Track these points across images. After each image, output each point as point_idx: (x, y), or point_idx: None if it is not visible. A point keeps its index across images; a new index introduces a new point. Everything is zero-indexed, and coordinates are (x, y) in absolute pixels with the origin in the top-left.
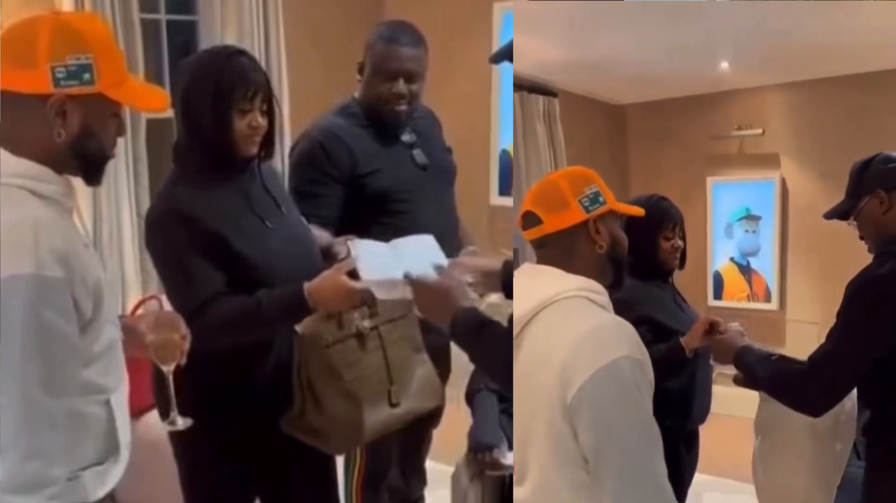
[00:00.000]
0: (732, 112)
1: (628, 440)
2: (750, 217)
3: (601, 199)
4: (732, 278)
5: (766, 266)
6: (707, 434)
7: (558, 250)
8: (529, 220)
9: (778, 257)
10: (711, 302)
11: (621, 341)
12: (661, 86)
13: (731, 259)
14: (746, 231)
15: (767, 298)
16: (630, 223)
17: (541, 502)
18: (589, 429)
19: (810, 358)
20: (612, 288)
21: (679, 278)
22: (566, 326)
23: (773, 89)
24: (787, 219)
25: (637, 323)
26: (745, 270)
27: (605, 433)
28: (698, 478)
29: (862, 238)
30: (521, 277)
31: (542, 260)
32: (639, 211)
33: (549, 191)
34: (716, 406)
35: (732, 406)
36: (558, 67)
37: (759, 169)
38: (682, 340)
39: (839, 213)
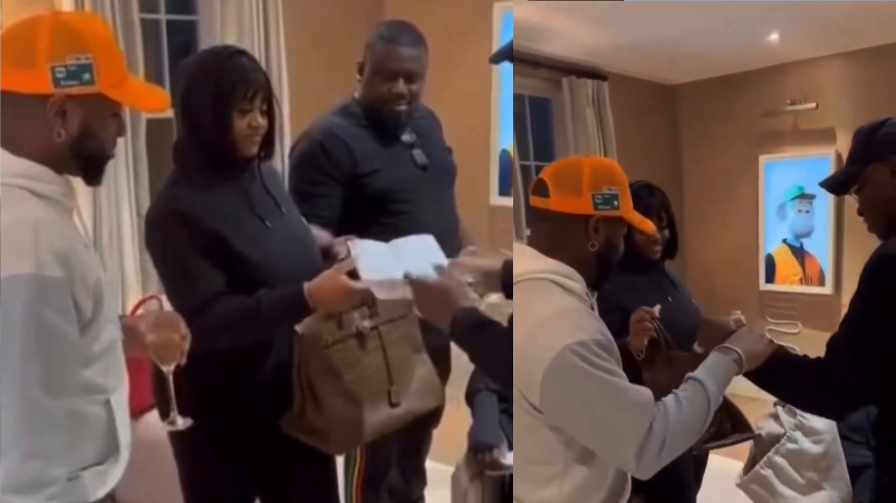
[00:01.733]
0: (785, 86)
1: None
2: (803, 196)
3: (616, 203)
4: (785, 261)
5: (820, 248)
6: None
7: (553, 229)
8: (540, 188)
9: (833, 238)
10: (763, 285)
11: (573, 328)
12: (711, 63)
13: (784, 241)
14: (800, 211)
15: (821, 281)
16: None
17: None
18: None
19: (825, 357)
20: (590, 288)
21: (729, 261)
22: (525, 310)
23: (827, 60)
24: (842, 197)
25: (610, 310)
26: (799, 252)
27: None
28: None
29: (861, 214)
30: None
31: (533, 233)
32: (650, 227)
33: (570, 170)
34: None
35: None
36: (606, 50)
37: (813, 145)
38: (628, 340)
39: (838, 182)
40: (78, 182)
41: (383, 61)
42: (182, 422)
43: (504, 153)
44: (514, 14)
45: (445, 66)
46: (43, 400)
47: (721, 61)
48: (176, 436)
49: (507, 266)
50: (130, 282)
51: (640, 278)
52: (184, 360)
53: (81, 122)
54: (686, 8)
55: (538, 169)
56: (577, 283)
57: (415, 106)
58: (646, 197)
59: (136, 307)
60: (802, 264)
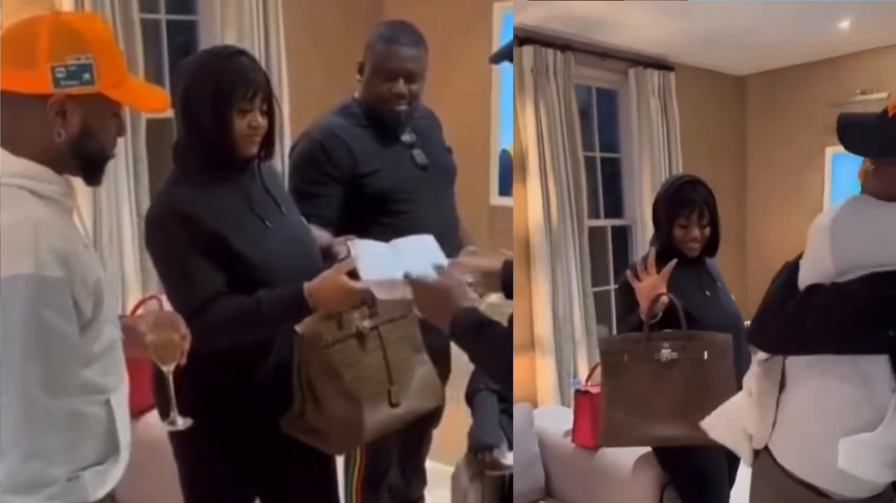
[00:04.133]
0: (855, 76)
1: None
2: None
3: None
4: None
5: None
6: None
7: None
8: None
9: None
10: None
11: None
12: (780, 53)
13: None
14: None
15: None
16: (654, 205)
17: None
18: None
19: None
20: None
21: (792, 253)
22: None
23: None
24: None
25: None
26: None
27: None
28: None
29: None
30: None
31: None
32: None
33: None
34: None
35: None
36: (675, 41)
37: None
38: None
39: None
40: (78, 182)
41: (383, 61)
42: (182, 422)
43: (504, 153)
44: (531, 9)
45: (445, 66)
46: (43, 400)
47: (790, 51)
48: (176, 436)
49: (507, 266)
50: (130, 282)
51: (678, 271)
52: (184, 360)
53: (81, 122)
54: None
55: (603, 161)
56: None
57: (415, 106)
58: (688, 192)
59: (136, 307)
60: None
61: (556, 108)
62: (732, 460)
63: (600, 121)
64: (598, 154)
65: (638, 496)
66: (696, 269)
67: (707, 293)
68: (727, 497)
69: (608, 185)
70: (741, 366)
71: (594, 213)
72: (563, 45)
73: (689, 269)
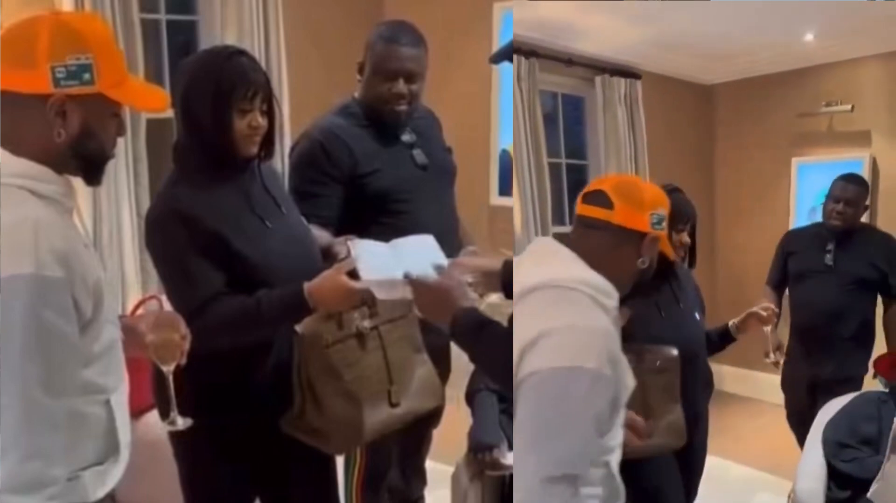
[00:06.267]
0: (820, 87)
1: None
2: None
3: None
4: None
5: None
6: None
7: (601, 243)
8: (600, 199)
9: None
10: None
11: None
12: (746, 62)
13: None
14: None
15: None
16: None
17: None
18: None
19: None
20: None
21: (760, 263)
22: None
23: (864, 62)
24: (876, 201)
25: None
26: None
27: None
28: (748, 474)
29: None
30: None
31: (577, 239)
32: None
33: (632, 188)
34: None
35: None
36: (642, 49)
37: (848, 147)
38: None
39: None
40: (78, 182)
41: (383, 61)
42: (182, 422)
43: (504, 153)
44: (515, 13)
45: (445, 66)
46: (43, 400)
47: (757, 61)
48: (176, 436)
49: (507, 266)
50: (130, 282)
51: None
52: (184, 360)
53: (81, 122)
54: (721, 7)
55: (569, 167)
56: (612, 301)
57: (415, 106)
58: (680, 204)
59: (136, 307)
60: None
61: (520, 113)
62: (694, 472)
63: (568, 127)
64: (563, 160)
65: None
66: (662, 286)
67: (662, 313)
68: None
69: (575, 192)
70: (695, 390)
71: (559, 220)
72: (528, 52)
73: (655, 285)
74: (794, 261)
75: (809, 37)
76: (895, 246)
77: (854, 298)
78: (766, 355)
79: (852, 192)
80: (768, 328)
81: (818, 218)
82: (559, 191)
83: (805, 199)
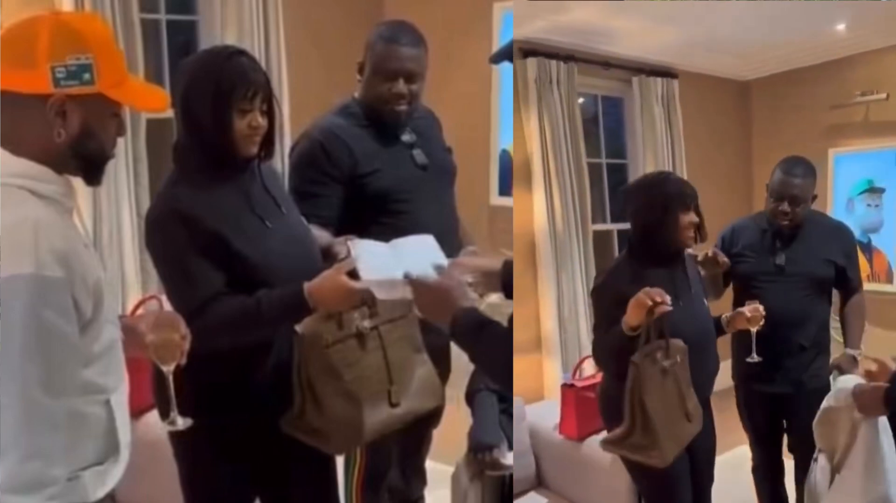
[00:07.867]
0: (855, 78)
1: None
2: (873, 190)
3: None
4: None
5: (888, 243)
6: None
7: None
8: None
9: None
10: None
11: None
12: (779, 57)
13: None
14: (868, 205)
15: (889, 279)
16: (649, 199)
17: None
18: None
19: None
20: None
21: None
22: None
23: None
24: None
25: (619, 303)
26: (866, 248)
27: None
28: None
29: None
30: None
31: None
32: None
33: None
34: None
35: None
36: (678, 49)
37: (883, 137)
38: (624, 319)
39: None
40: (78, 182)
41: (383, 61)
42: (182, 422)
43: (504, 153)
44: (538, 18)
45: (445, 66)
46: (43, 400)
47: (790, 55)
48: (176, 436)
49: (507, 266)
50: (130, 282)
51: (653, 272)
52: (184, 360)
53: (81, 122)
54: (752, 3)
55: (609, 167)
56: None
57: (415, 106)
58: (684, 186)
59: (136, 307)
60: (870, 261)
61: (559, 117)
62: (704, 458)
63: (610, 127)
64: (604, 160)
65: (617, 484)
66: (669, 272)
67: (680, 302)
68: (688, 498)
69: (615, 191)
70: (703, 378)
71: (600, 218)
72: (566, 56)
73: (661, 273)
74: (740, 263)
75: (841, 27)
76: (850, 236)
77: (811, 302)
78: (751, 356)
79: (798, 187)
80: (754, 330)
81: (855, 209)
82: (601, 190)
83: (842, 190)
